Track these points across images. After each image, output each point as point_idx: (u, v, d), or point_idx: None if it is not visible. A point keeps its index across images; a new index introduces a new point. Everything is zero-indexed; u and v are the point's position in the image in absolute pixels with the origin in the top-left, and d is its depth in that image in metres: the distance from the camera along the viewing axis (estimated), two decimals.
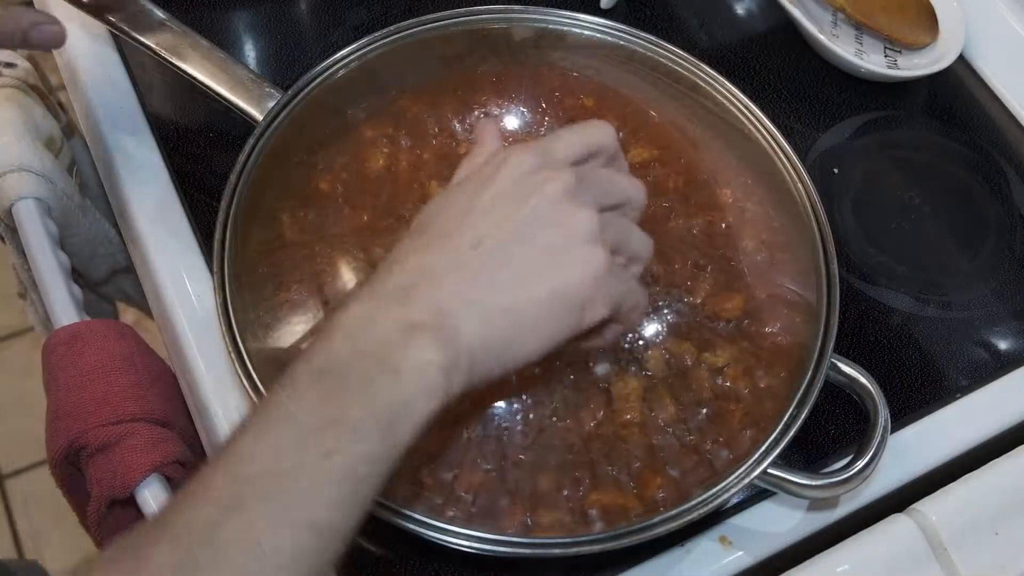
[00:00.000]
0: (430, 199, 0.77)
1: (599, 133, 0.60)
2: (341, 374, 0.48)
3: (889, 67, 0.94)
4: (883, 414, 0.67)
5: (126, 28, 0.80)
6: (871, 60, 0.93)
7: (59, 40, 0.76)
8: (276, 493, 0.44)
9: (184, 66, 0.79)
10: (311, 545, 0.44)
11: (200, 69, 0.79)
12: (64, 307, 0.80)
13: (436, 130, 0.82)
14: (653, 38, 0.81)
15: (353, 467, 0.46)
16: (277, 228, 0.76)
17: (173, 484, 0.72)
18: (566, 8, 0.82)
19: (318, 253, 0.75)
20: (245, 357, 0.66)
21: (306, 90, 0.77)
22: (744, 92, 0.79)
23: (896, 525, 0.69)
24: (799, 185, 0.76)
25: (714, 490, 0.64)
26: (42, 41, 0.75)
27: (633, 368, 0.72)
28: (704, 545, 0.70)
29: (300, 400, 0.47)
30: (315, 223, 0.76)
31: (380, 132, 0.81)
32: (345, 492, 0.46)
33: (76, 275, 0.93)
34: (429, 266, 0.53)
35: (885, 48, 0.95)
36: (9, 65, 0.92)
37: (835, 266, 0.72)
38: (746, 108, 0.79)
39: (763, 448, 0.66)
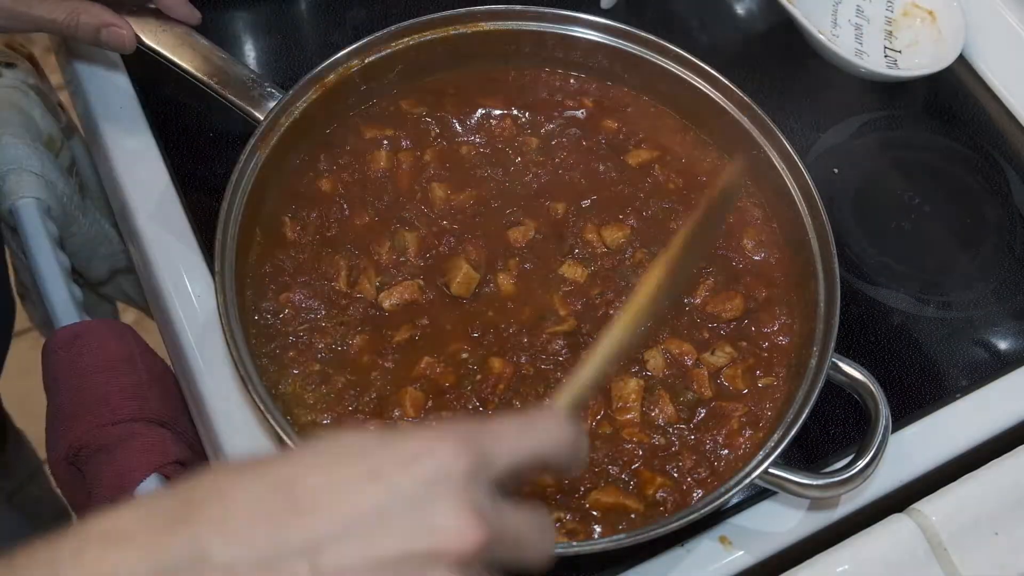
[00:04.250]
0: (432, 200, 0.78)
1: (554, 437, 0.45)
2: None
3: (889, 67, 0.94)
4: (884, 413, 0.67)
5: None
6: (871, 60, 0.93)
7: (126, 45, 0.78)
8: None
9: (184, 66, 0.79)
10: None
11: (200, 69, 0.79)
12: (64, 307, 0.80)
13: (437, 131, 0.82)
14: (653, 38, 0.81)
15: None
16: (278, 228, 0.76)
17: (173, 484, 0.72)
18: (566, 8, 0.82)
19: (319, 254, 0.75)
20: (245, 357, 0.66)
21: (307, 90, 0.77)
22: (744, 92, 0.79)
23: (896, 525, 0.69)
24: (799, 185, 0.76)
25: (716, 491, 0.64)
26: (110, 42, 0.78)
27: (633, 368, 0.72)
28: (704, 545, 0.70)
29: None
30: (316, 224, 0.76)
31: (381, 133, 0.81)
32: None
33: (76, 275, 0.93)
34: (259, 539, 0.37)
35: (885, 48, 0.95)
36: (9, 65, 0.92)
37: (835, 266, 0.72)
38: (746, 108, 0.79)
39: (765, 448, 0.66)
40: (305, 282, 0.74)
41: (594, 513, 0.67)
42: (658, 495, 0.67)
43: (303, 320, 0.72)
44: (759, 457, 0.65)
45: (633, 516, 0.66)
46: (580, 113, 0.83)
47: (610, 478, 0.68)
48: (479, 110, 0.83)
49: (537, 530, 0.44)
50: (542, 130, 0.82)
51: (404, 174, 0.79)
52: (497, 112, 0.83)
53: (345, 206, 0.77)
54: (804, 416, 0.66)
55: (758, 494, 0.72)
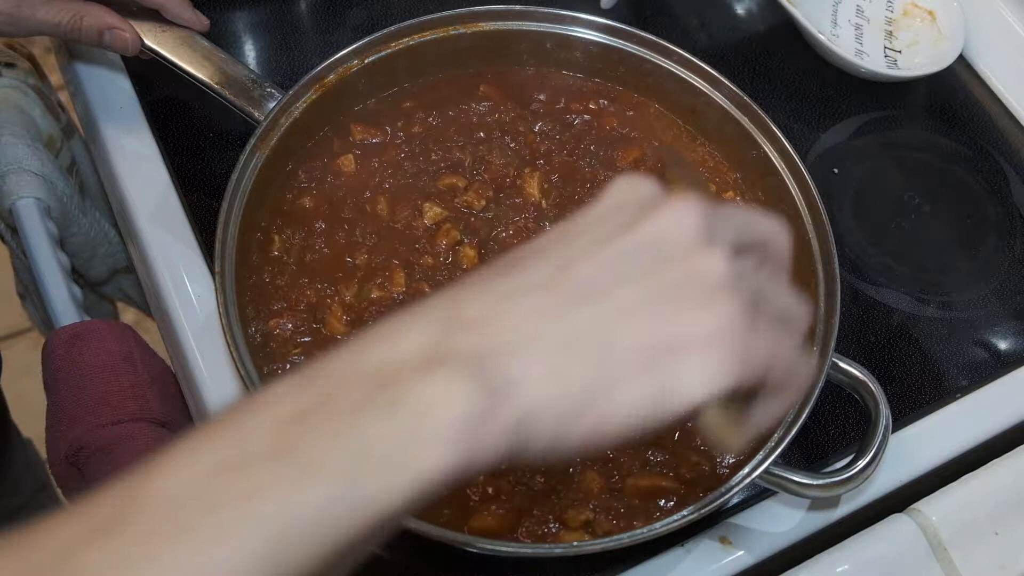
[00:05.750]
0: (428, 218, 0.77)
1: (778, 232, 0.48)
2: (326, 390, 0.37)
3: (889, 67, 0.94)
4: (884, 413, 0.67)
5: None
6: (871, 60, 0.93)
7: (129, 47, 0.78)
8: (162, 525, 0.34)
9: (184, 66, 0.79)
10: None
11: (200, 69, 0.79)
12: (64, 307, 0.80)
13: (435, 132, 0.81)
14: (653, 38, 0.81)
15: (283, 519, 0.34)
16: (267, 245, 0.75)
17: None
18: (566, 8, 0.82)
19: (296, 281, 0.74)
20: (245, 357, 0.66)
21: (307, 90, 0.77)
22: (744, 92, 0.79)
23: (896, 525, 0.69)
24: (799, 185, 0.76)
25: (716, 490, 0.64)
26: (113, 44, 0.78)
27: None
28: (704, 545, 0.70)
29: (259, 414, 0.36)
30: (299, 246, 0.75)
31: (370, 136, 0.80)
32: (261, 551, 0.33)
33: (76, 275, 0.93)
34: (497, 285, 0.40)
35: (885, 48, 0.95)
36: (9, 65, 0.92)
37: (835, 266, 0.72)
38: (746, 108, 0.79)
39: (765, 447, 0.66)
40: (282, 308, 0.73)
41: (635, 502, 0.67)
42: (692, 473, 0.67)
43: (304, 321, 0.72)
44: (759, 457, 0.65)
45: (673, 498, 0.67)
46: (579, 113, 0.83)
47: (647, 463, 0.68)
48: (478, 110, 0.83)
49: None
50: (541, 131, 0.82)
51: (396, 187, 0.78)
52: (496, 112, 0.83)
53: (323, 224, 0.76)
54: (804, 416, 0.66)
55: (758, 494, 0.72)
